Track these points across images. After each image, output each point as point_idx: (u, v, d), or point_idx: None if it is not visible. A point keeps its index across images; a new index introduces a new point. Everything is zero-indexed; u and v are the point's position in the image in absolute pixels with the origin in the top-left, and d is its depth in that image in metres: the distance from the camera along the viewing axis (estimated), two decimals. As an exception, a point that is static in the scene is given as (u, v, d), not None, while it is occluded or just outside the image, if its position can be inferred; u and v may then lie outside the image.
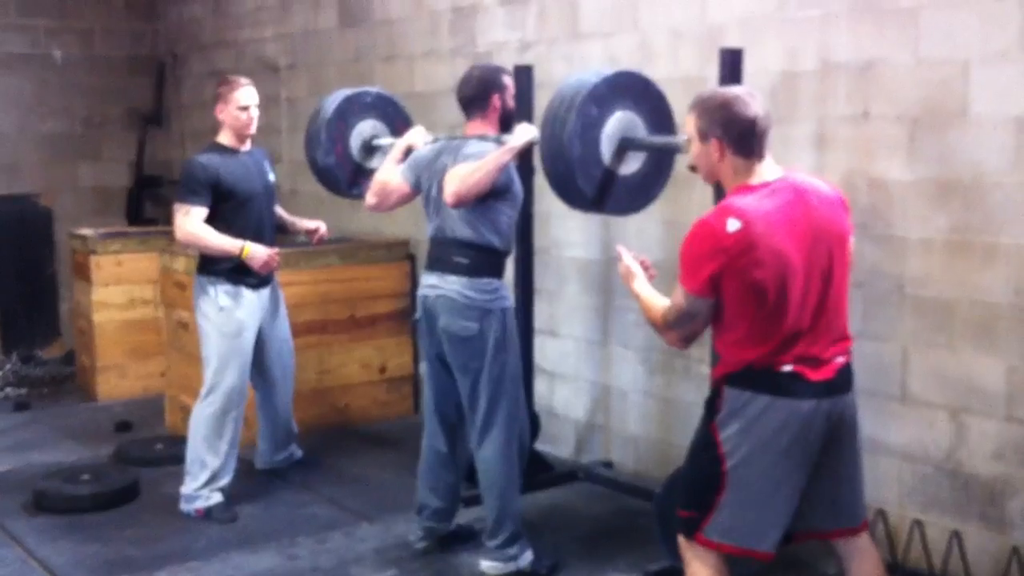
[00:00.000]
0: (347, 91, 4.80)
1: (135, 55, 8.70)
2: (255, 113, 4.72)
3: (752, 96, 2.89)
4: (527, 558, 4.00)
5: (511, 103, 4.11)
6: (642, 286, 3.13)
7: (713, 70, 4.06)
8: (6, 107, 8.16)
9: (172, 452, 5.51)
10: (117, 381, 6.77)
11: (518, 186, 4.03)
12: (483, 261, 3.91)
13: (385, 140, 4.71)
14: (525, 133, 3.87)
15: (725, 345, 2.94)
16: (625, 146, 3.75)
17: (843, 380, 2.94)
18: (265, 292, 4.81)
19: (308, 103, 7.12)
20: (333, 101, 4.73)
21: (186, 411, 5.82)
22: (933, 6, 3.77)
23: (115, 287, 6.73)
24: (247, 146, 4.78)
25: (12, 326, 7.97)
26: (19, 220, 8.23)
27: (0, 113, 8.14)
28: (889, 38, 3.91)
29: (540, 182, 4.94)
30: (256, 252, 4.61)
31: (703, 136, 2.90)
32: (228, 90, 4.66)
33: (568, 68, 5.18)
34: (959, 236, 3.78)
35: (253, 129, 4.74)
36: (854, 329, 3.91)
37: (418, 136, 4.26)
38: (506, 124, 4.05)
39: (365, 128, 4.76)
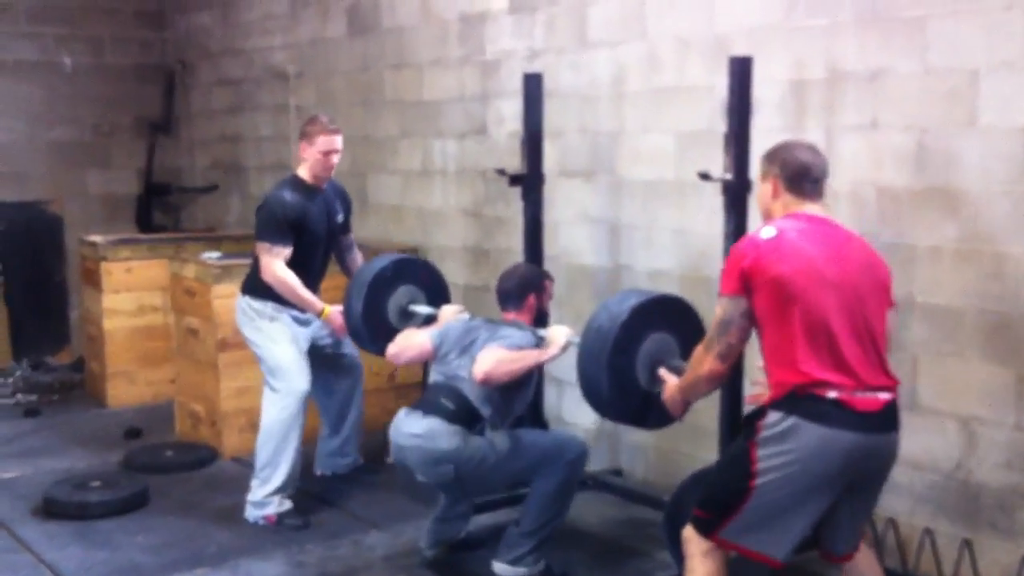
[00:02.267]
0: (366, 276, 4.67)
1: (144, 63, 8.74)
2: (335, 160, 4.74)
3: (814, 148, 3.18)
4: (539, 567, 4.01)
5: (547, 305, 4.26)
6: (677, 380, 3.36)
7: (721, 79, 4.07)
8: (16, 115, 8.21)
9: (181, 459, 5.54)
10: (126, 388, 6.78)
11: (534, 379, 4.15)
12: (468, 416, 3.85)
13: (421, 308, 4.69)
14: (561, 336, 3.92)
15: (770, 368, 2.97)
16: (658, 367, 3.60)
17: (889, 417, 2.94)
18: (307, 315, 4.82)
19: (317, 111, 7.15)
20: (359, 295, 4.64)
21: (195, 418, 5.86)
22: (941, 15, 3.78)
23: (125, 294, 6.74)
24: (324, 185, 4.82)
25: (22, 333, 8.00)
26: (29, 227, 8.27)
27: (10, 121, 8.19)
28: (897, 47, 3.91)
29: (550, 189, 4.97)
30: (334, 316, 4.73)
31: (764, 177, 3.16)
32: (314, 132, 4.68)
33: (576, 76, 5.20)
34: (968, 245, 3.78)
35: (332, 174, 4.79)
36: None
37: (452, 313, 4.40)
38: (538, 322, 4.19)
39: (400, 296, 4.72)
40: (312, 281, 4.79)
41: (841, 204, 4.00)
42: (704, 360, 3.05)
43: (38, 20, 8.26)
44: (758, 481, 2.88)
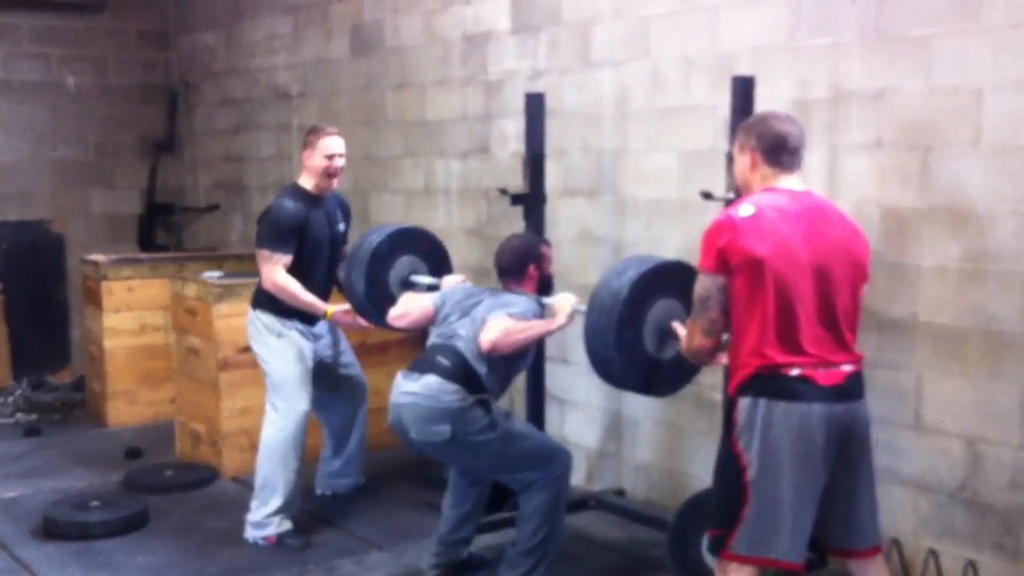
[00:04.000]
0: (367, 250, 4.63)
1: (148, 83, 8.76)
2: (340, 163, 4.73)
3: (790, 118, 3.16)
4: (543, 587, 4.00)
5: (548, 270, 4.22)
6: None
7: (725, 99, 4.07)
8: (19, 134, 8.22)
9: (182, 479, 5.52)
10: (127, 407, 6.76)
11: (533, 347, 4.13)
12: (465, 374, 3.84)
13: (423, 279, 4.69)
14: (567, 305, 3.90)
15: (739, 351, 2.99)
16: (666, 334, 3.62)
17: (854, 386, 2.99)
18: (316, 329, 4.84)
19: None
20: (359, 273, 4.61)
21: (196, 438, 5.83)
22: (946, 34, 3.78)
23: (126, 313, 6.74)
24: (327, 193, 4.81)
25: (23, 352, 7.98)
26: (31, 246, 8.28)
27: (13, 140, 8.21)
28: (901, 66, 3.92)
29: (553, 208, 4.96)
30: (339, 316, 4.73)
31: (741, 149, 3.13)
32: (315, 137, 4.70)
33: (579, 95, 5.21)
34: (972, 264, 3.77)
35: (336, 179, 4.77)
36: (868, 357, 3.91)
37: (454, 283, 4.38)
38: (543, 288, 4.17)
39: (401, 266, 4.72)
40: (317, 295, 4.75)
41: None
42: (693, 335, 3.08)
43: (41, 40, 8.29)
44: (750, 474, 2.90)
